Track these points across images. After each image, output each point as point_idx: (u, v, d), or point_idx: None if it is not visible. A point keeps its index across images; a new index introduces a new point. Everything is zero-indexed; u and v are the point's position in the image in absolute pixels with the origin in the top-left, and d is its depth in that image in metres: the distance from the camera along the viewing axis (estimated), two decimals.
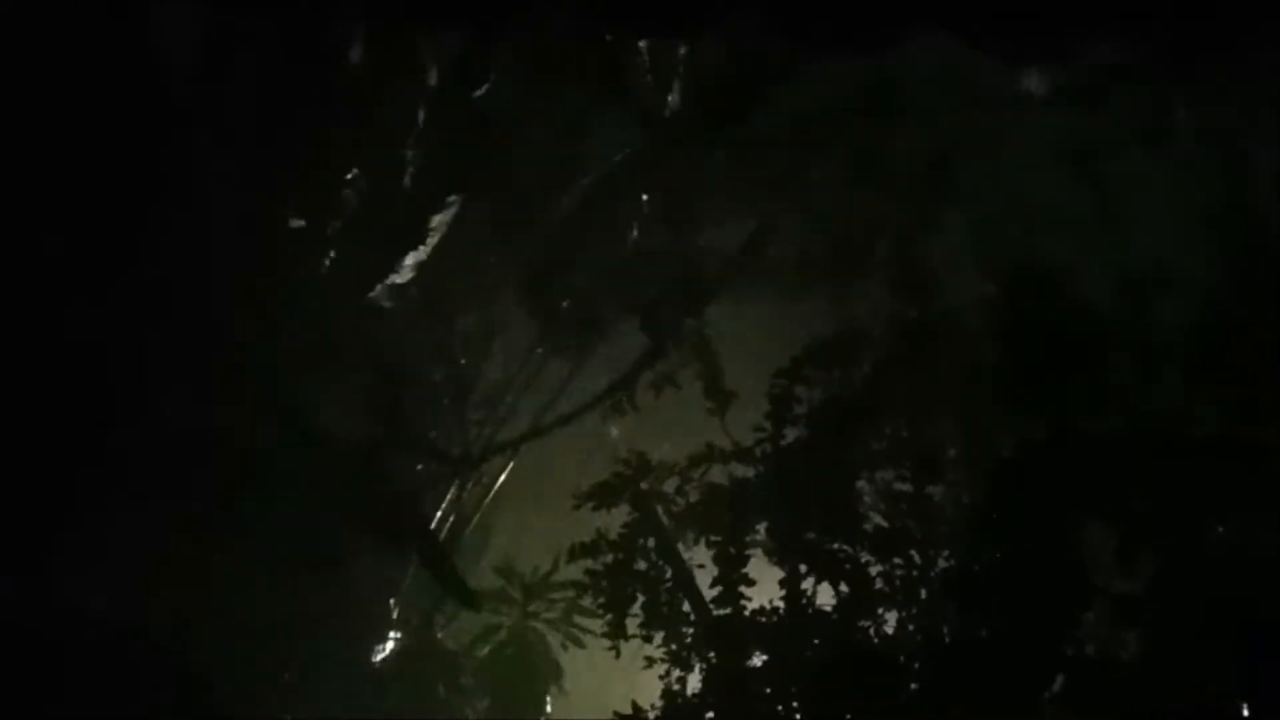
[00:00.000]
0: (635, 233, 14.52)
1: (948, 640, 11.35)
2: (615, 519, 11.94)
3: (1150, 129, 12.65)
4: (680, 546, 11.91)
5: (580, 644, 14.86)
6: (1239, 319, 11.20)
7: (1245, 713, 10.63)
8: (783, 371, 11.73)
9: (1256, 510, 10.76)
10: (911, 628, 11.44)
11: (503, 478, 16.30)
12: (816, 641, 11.50)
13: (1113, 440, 11.06)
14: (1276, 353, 10.90)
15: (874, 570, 11.55)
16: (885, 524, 11.63)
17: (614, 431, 14.92)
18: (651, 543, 11.73)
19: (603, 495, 11.98)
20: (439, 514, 16.04)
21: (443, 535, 15.82)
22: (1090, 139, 12.63)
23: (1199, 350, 11.04)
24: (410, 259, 14.63)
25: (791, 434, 11.72)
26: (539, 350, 15.28)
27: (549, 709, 15.68)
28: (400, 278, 14.70)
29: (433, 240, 14.53)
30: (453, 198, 14.40)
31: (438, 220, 14.48)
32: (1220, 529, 10.89)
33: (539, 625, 15.45)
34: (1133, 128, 12.73)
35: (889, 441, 11.76)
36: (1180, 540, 10.85)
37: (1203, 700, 10.63)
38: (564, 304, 14.48)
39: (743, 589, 11.49)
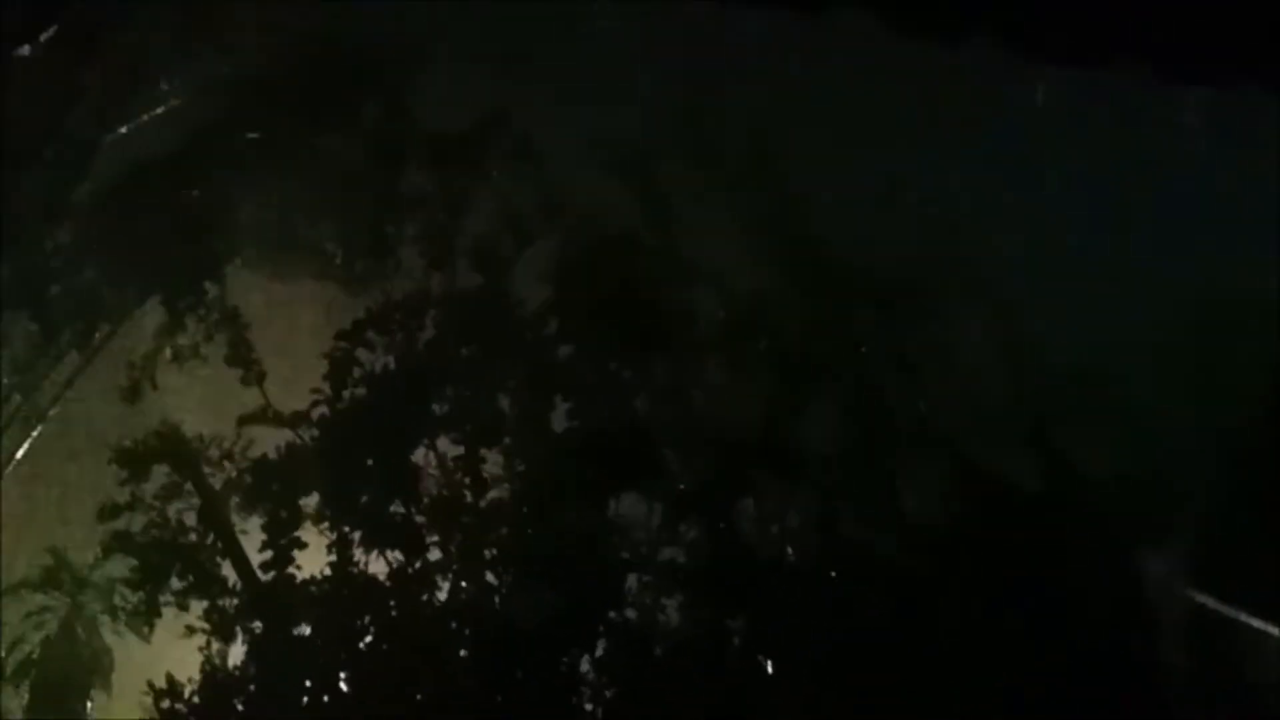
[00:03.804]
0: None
1: (498, 608, 11.43)
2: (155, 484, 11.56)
3: None
4: (231, 517, 11.57)
5: (125, 620, 14.24)
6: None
7: (769, 669, 11.17)
8: (344, 334, 11.62)
9: (786, 494, 11.33)
10: (464, 597, 11.46)
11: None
12: (368, 610, 11.36)
13: (660, 422, 11.51)
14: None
15: (430, 539, 11.53)
16: (443, 492, 11.60)
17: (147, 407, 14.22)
18: (192, 509, 11.40)
19: (135, 460, 11.56)
20: None
21: None
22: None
23: (735, 342, 11.57)
24: None
25: (349, 398, 11.56)
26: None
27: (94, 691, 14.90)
28: None
29: None
30: None
31: None
32: (754, 505, 11.34)
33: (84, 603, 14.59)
34: None
35: (450, 409, 11.70)
36: (716, 515, 11.34)
37: (729, 660, 11.10)
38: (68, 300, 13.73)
39: (292, 556, 11.27)
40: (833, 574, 11.10)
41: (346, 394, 11.56)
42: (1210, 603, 10.99)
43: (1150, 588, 10.96)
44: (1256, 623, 10.92)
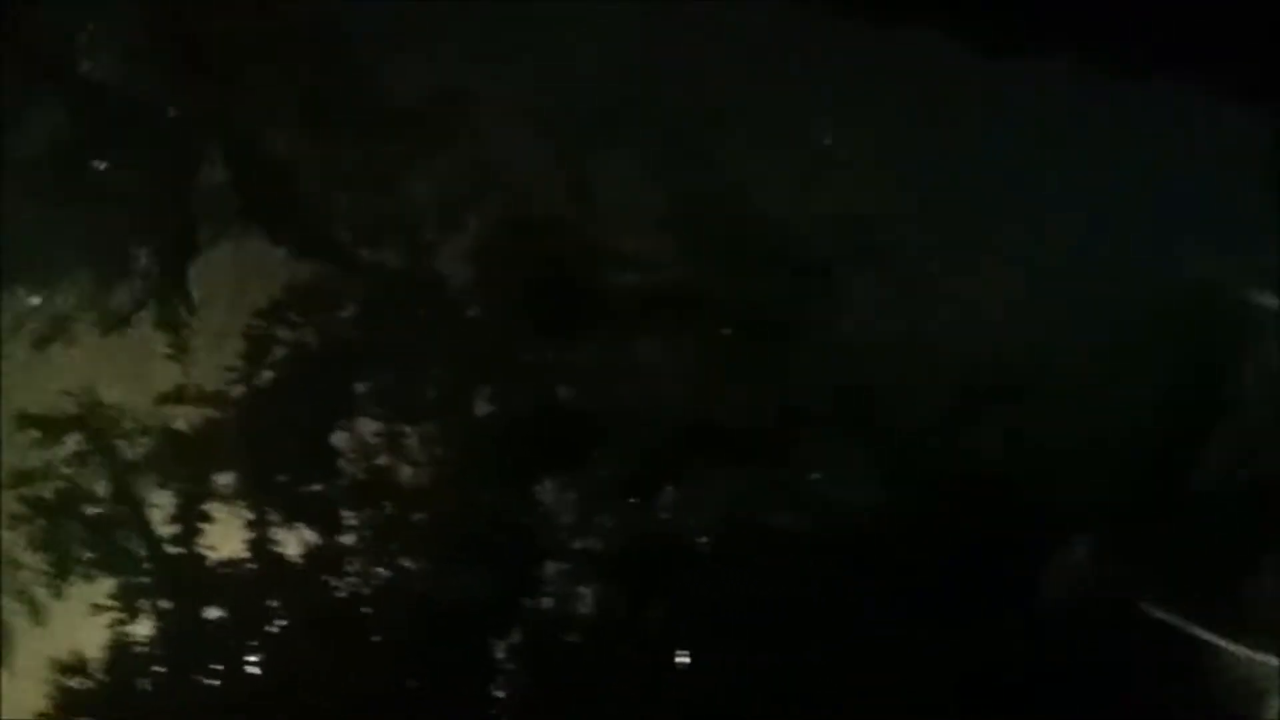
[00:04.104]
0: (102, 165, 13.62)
1: (417, 597, 11.26)
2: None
3: None
4: (140, 491, 11.39)
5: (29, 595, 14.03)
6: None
7: (684, 659, 11.10)
8: (262, 312, 11.42)
9: (710, 480, 11.32)
10: (380, 583, 11.28)
11: None
12: (281, 592, 11.19)
13: (584, 407, 11.34)
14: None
15: (348, 521, 11.36)
16: (361, 474, 11.43)
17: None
18: (103, 481, 11.24)
19: (48, 426, 11.39)
20: None
21: None
22: None
23: (661, 326, 11.43)
24: None
25: (268, 376, 11.40)
26: None
27: None
28: None
29: None
30: None
31: None
32: (673, 491, 11.34)
33: None
34: None
35: (371, 388, 11.53)
36: (637, 502, 11.26)
37: (646, 648, 11.02)
38: None
39: (203, 535, 11.11)
40: (753, 561, 10.99)
41: (265, 373, 11.41)
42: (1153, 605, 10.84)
43: (1075, 577, 10.85)
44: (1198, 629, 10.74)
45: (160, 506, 11.23)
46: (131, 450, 11.35)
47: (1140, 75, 11.52)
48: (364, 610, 11.22)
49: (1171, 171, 11.52)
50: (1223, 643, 10.45)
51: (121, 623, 11.05)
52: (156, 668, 10.97)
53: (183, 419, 11.40)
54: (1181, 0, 11.01)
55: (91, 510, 11.20)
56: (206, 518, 11.25)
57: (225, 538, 11.28)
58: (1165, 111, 11.33)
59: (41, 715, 10.75)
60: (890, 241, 12.19)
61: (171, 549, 11.19)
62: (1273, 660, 10.33)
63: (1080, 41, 10.84)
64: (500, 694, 11.03)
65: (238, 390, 11.40)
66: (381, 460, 11.48)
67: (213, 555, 11.22)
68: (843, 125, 12.56)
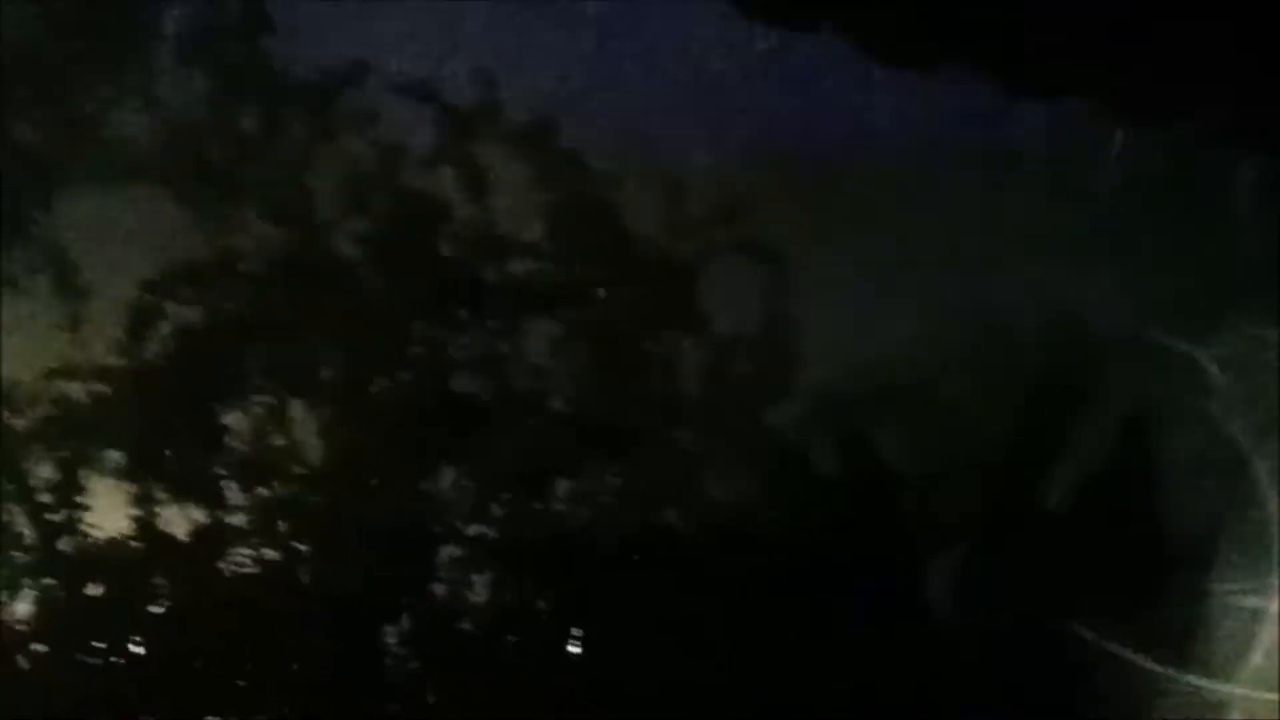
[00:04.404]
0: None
1: (307, 581, 11.23)
2: None
3: None
4: (24, 466, 11.14)
5: None
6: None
7: (576, 649, 11.12)
8: (150, 285, 11.23)
9: (601, 473, 11.30)
10: (269, 566, 11.21)
11: None
12: (166, 573, 11.09)
13: (472, 400, 11.23)
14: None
15: (236, 502, 11.28)
16: (252, 453, 11.33)
17: None
18: None
19: None
20: None
21: None
22: None
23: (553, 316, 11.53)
24: None
25: (156, 351, 11.21)
26: None
27: None
28: None
29: None
30: None
31: None
32: (565, 482, 11.35)
33: None
34: None
35: (264, 367, 11.43)
36: (530, 492, 11.26)
37: (538, 638, 11.07)
38: None
39: (89, 511, 10.94)
40: (644, 556, 11.20)
41: (152, 347, 11.20)
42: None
43: (950, 588, 11.23)
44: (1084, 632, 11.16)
45: (44, 482, 11.02)
46: (19, 424, 11.10)
47: (1028, 91, 11.79)
48: (252, 593, 11.15)
49: (1054, 191, 11.85)
50: (1117, 649, 10.89)
51: (1, 601, 10.88)
52: (36, 646, 10.83)
53: (71, 392, 11.18)
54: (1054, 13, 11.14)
55: None
56: (88, 494, 11.07)
57: (110, 515, 11.13)
58: (1057, 128, 11.66)
59: None
60: (766, 239, 12.35)
61: (53, 526, 10.99)
62: (1158, 669, 10.79)
63: (971, 55, 11.01)
64: (392, 681, 11.08)
65: (123, 364, 11.19)
66: (273, 440, 11.41)
67: (97, 533, 11.06)
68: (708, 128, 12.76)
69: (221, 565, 11.10)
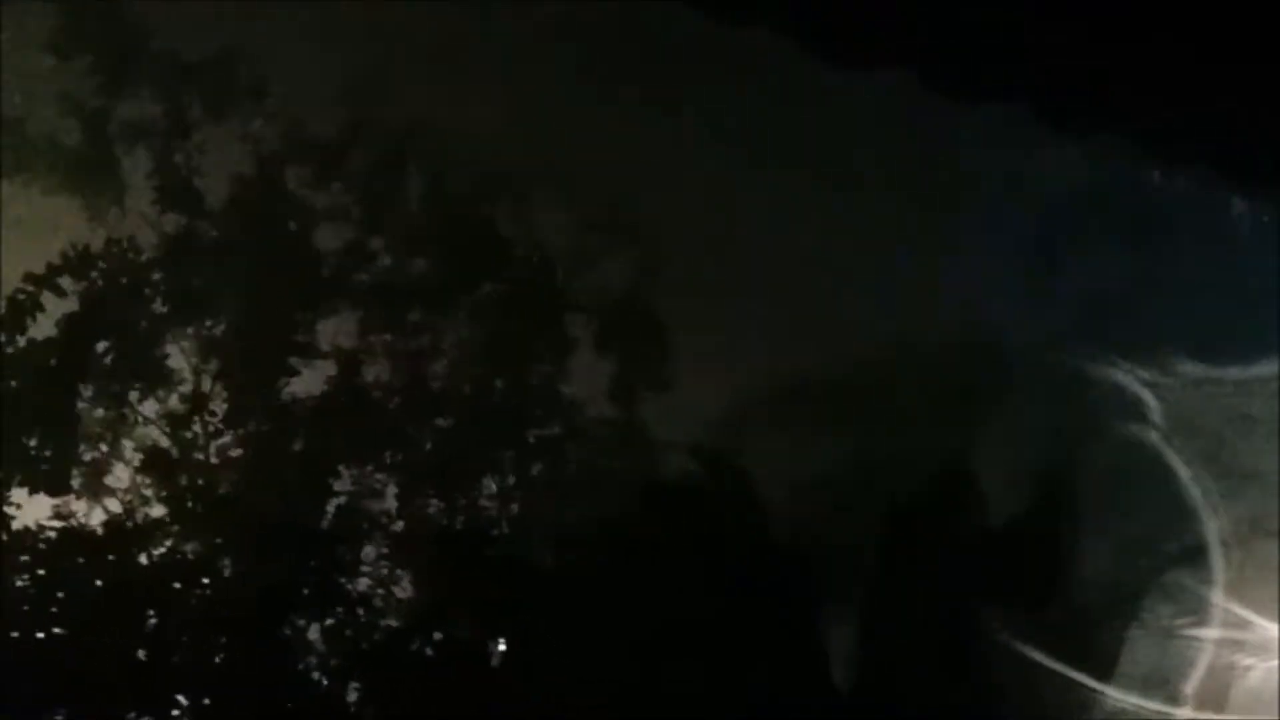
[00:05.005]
0: None
1: (228, 573, 11.04)
2: None
3: None
4: None
5: None
6: None
7: (501, 647, 11.16)
8: (33, 277, 10.97)
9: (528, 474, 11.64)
10: (179, 556, 11.04)
11: None
12: (84, 564, 10.88)
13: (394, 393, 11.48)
14: None
15: (150, 494, 11.12)
16: (168, 446, 11.18)
17: None
18: None
19: None
20: None
21: None
22: None
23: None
24: None
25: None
26: None
27: None
28: None
29: None
30: None
31: None
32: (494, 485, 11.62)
33: None
34: None
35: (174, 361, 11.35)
36: (452, 489, 11.41)
37: (459, 630, 11.07)
38: None
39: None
40: (557, 554, 11.13)
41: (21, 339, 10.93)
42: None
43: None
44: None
45: None
46: None
47: (975, 99, 11.16)
48: (170, 585, 10.96)
49: (990, 211, 11.52)
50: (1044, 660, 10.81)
51: None
52: None
53: None
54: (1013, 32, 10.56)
55: None
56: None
57: (30, 508, 10.92)
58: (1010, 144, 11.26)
59: None
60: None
61: None
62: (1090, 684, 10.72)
63: (921, 62, 10.44)
64: (314, 675, 10.90)
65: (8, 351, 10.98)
66: (189, 434, 11.22)
67: (15, 525, 10.85)
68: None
69: (135, 558, 10.86)
